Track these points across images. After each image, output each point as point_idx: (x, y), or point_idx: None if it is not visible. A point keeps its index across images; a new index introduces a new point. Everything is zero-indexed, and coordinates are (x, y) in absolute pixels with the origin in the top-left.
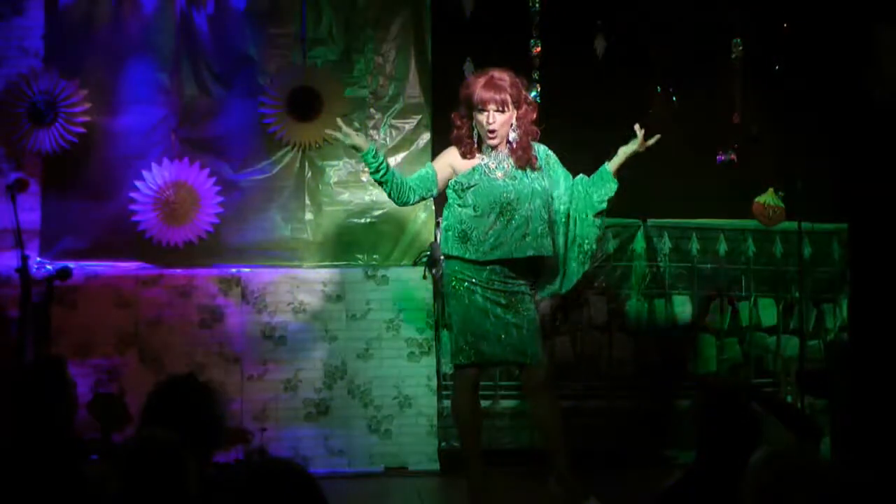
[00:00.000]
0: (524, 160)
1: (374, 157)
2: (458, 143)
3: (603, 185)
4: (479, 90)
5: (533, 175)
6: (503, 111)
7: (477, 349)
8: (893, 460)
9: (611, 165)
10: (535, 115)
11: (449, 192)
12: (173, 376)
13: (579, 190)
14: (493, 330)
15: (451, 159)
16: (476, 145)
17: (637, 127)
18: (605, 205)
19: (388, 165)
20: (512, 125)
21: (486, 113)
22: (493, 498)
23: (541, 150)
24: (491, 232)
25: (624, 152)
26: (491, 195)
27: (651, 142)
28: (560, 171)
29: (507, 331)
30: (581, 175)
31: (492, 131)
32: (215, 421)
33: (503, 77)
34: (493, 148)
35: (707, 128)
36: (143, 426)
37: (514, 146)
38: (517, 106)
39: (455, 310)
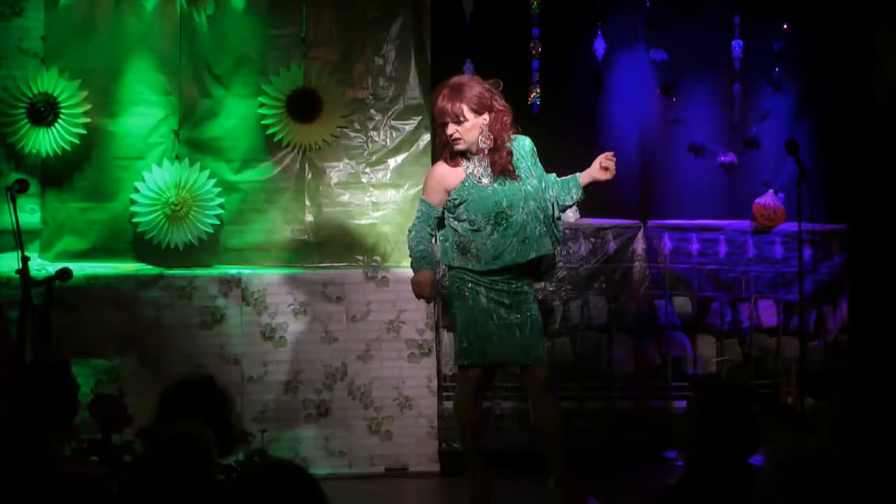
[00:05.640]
0: (499, 168)
1: (418, 262)
2: (441, 149)
3: (569, 191)
4: (437, 103)
5: (522, 176)
6: (460, 122)
7: (480, 350)
8: (894, 460)
9: (582, 177)
10: (508, 120)
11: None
12: (190, 376)
13: (550, 194)
14: (497, 331)
15: (441, 182)
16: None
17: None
18: (570, 206)
19: (421, 257)
20: (482, 131)
21: (445, 125)
22: (493, 499)
23: (526, 144)
24: (490, 242)
25: (593, 176)
26: (484, 207)
27: (608, 175)
28: (538, 170)
29: (510, 331)
30: (552, 175)
31: (454, 140)
32: (228, 424)
33: (461, 86)
34: (474, 153)
35: (707, 129)
36: (158, 423)
37: (487, 152)
38: (480, 112)
39: (459, 311)
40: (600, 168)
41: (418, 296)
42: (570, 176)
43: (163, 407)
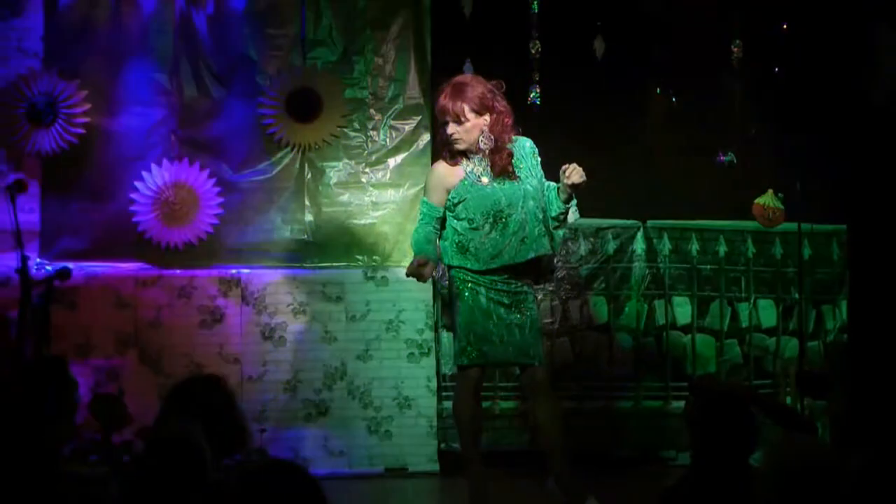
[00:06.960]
0: (499, 168)
1: (419, 249)
2: (442, 147)
3: (552, 203)
4: (439, 101)
5: (521, 177)
6: (460, 122)
7: (479, 350)
8: (892, 460)
9: (560, 194)
10: (509, 121)
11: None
12: (195, 376)
13: (547, 198)
14: (496, 331)
15: (441, 182)
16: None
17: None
18: (559, 218)
19: (430, 252)
20: (483, 131)
21: (445, 124)
22: (493, 499)
23: (526, 145)
24: (488, 241)
25: (567, 191)
26: (483, 206)
27: (573, 179)
28: (539, 172)
29: (509, 331)
30: (551, 183)
31: (453, 140)
32: (232, 424)
33: (463, 86)
34: (474, 153)
35: (706, 129)
36: (163, 419)
37: (487, 153)
38: (481, 113)
39: (459, 310)
40: (567, 186)
41: (412, 273)
42: (554, 190)
43: (166, 406)
